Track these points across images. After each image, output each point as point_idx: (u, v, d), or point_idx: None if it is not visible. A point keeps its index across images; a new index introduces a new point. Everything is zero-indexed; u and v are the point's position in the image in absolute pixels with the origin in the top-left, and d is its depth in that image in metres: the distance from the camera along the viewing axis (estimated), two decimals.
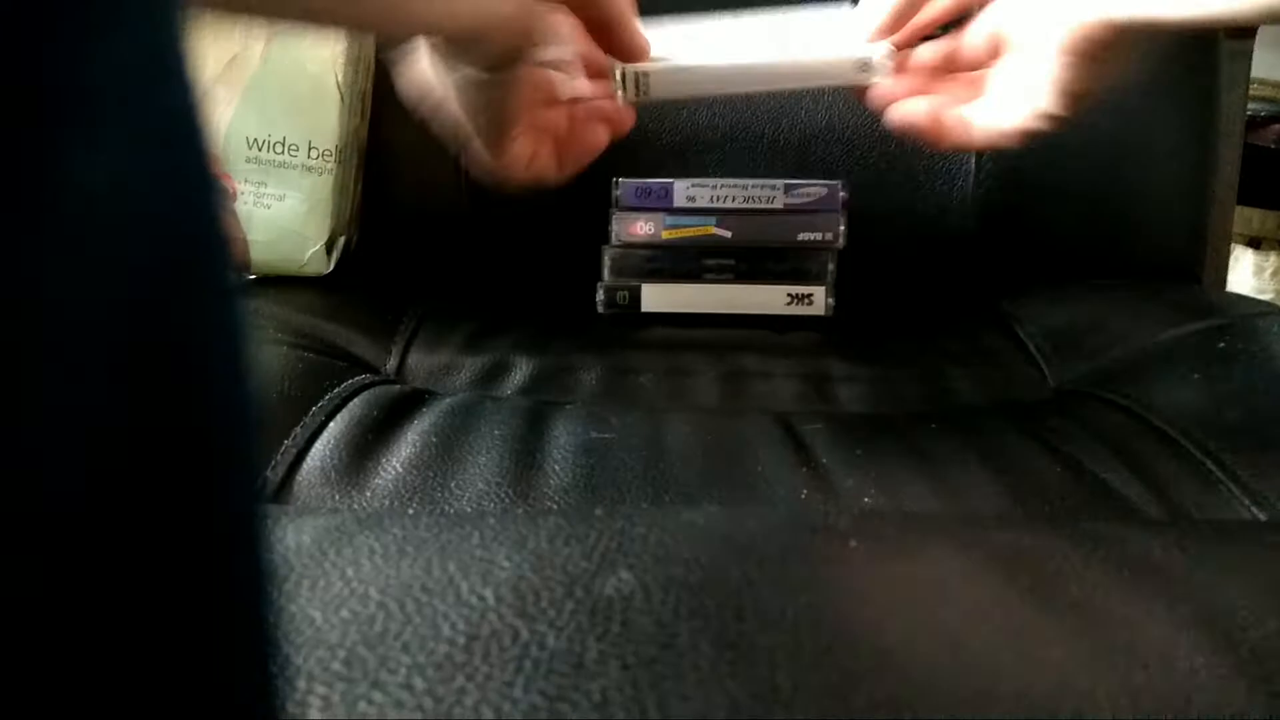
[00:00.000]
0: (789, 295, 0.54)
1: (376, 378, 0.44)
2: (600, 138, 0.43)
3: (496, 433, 0.38)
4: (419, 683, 0.17)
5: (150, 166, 0.12)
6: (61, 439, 0.11)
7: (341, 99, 0.51)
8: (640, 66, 0.41)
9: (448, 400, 0.41)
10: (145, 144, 0.12)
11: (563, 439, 0.38)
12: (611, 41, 0.39)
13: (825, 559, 0.20)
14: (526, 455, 0.37)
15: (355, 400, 0.40)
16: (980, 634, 0.19)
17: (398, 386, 0.43)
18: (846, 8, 0.44)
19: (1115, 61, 0.36)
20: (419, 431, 0.38)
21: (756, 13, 0.44)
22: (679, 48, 0.43)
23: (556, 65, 0.40)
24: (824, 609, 0.19)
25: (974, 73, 0.42)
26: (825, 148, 0.57)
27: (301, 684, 0.17)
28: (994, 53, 0.42)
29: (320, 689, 0.17)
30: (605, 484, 0.35)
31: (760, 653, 0.17)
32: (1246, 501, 0.32)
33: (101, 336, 0.11)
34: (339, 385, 0.41)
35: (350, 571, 0.21)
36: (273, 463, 0.35)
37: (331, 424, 0.38)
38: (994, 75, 0.42)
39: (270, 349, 0.43)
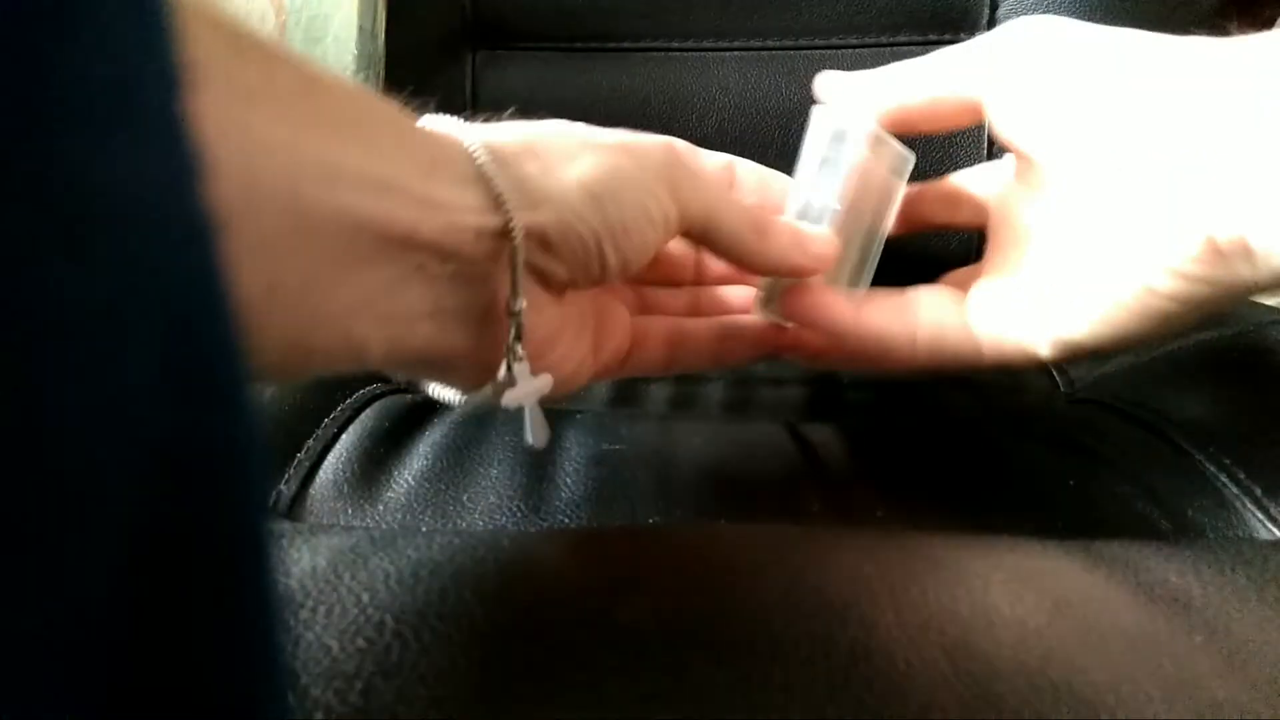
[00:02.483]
0: None
1: (388, 387, 0.44)
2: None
3: (508, 443, 0.38)
4: (436, 717, 0.17)
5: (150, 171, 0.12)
6: (72, 446, 0.11)
7: None
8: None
9: (460, 410, 0.41)
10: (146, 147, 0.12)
11: (573, 450, 0.38)
12: (747, 268, 0.33)
13: (839, 586, 0.20)
14: (538, 467, 0.37)
15: (367, 411, 0.40)
16: (1005, 660, 0.19)
17: (409, 396, 0.43)
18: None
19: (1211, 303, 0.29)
20: (431, 443, 0.38)
21: None
22: None
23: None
24: (838, 638, 0.19)
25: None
26: None
27: (319, 716, 0.17)
28: (967, 213, 0.37)
29: None
30: (616, 496, 0.35)
31: (775, 685, 0.17)
32: (1261, 518, 0.32)
33: (112, 340, 0.12)
34: (351, 396, 0.41)
35: (365, 597, 0.21)
36: (286, 476, 0.35)
37: (344, 436, 0.38)
38: (990, 270, 0.35)
39: None
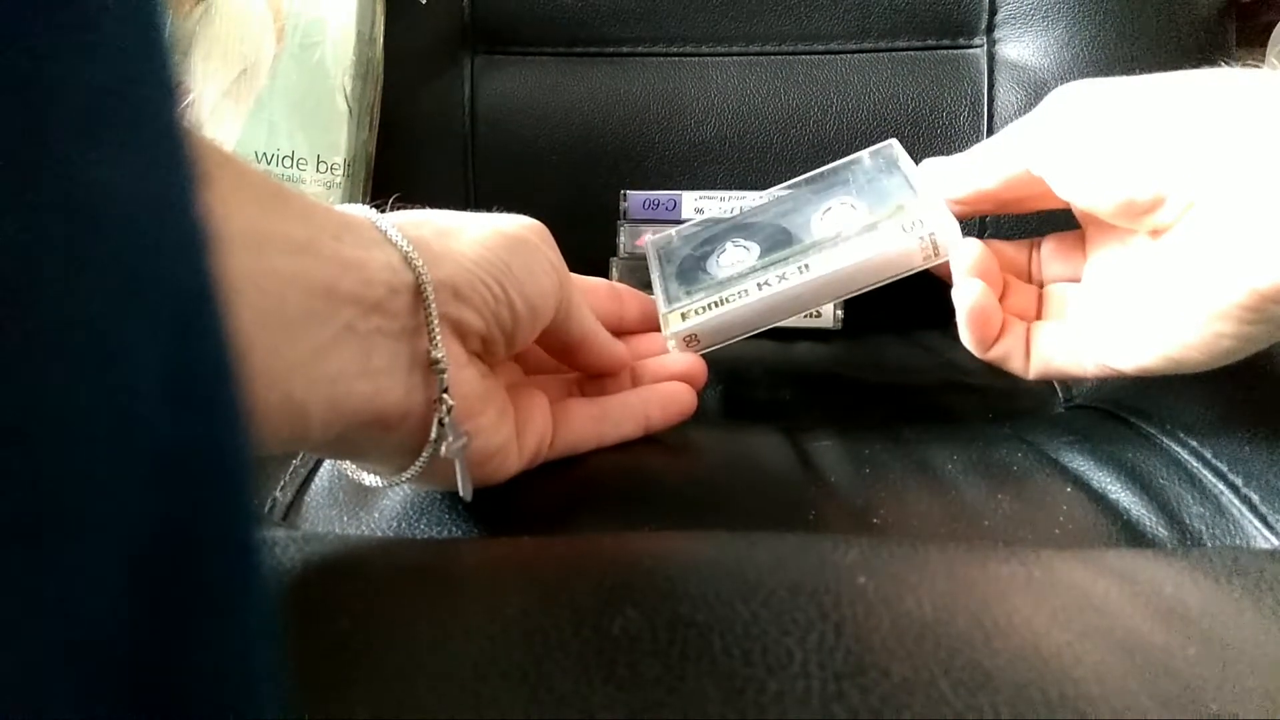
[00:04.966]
0: None
1: None
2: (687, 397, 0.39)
3: None
4: None
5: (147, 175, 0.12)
6: (74, 451, 0.11)
7: (350, 112, 0.51)
8: (688, 326, 0.40)
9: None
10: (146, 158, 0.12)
11: (568, 458, 0.38)
12: (582, 361, 0.37)
13: (834, 597, 0.20)
14: (532, 473, 0.36)
15: None
16: (1000, 672, 0.19)
17: None
18: (897, 149, 0.44)
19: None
20: None
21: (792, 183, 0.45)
22: (718, 264, 0.42)
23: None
24: (833, 650, 0.19)
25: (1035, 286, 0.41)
26: (835, 158, 0.57)
27: None
28: (1074, 265, 0.40)
29: None
30: (609, 502, 0.35)
31: (769, 697, 0.17)
32: (1258, 525, 0.32)
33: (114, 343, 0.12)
34: None
35: (358, 604, 0.21)
36: (281, 483, 0.35)
37: None
38: (1080, 300, 0.39)
39: None
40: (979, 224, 0.56)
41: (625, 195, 0.54)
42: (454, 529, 0.33)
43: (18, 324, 0.10)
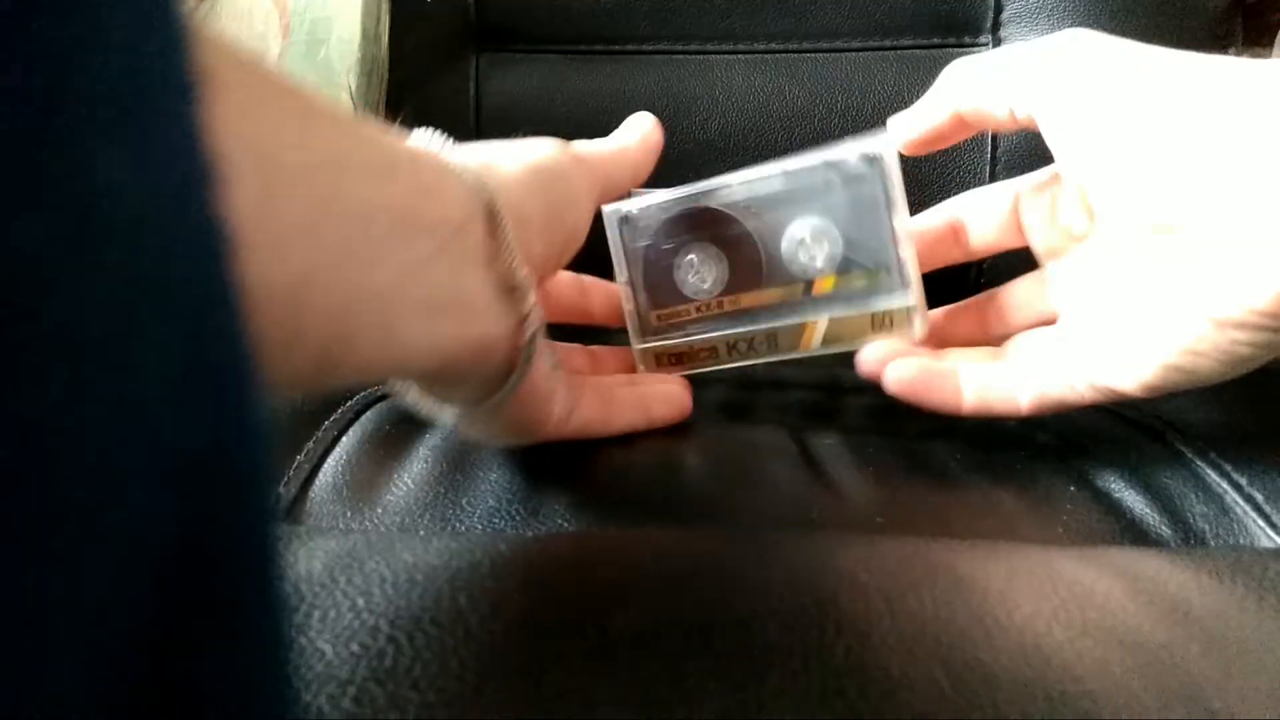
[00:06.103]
0: None
1: (388, 391, 0.44)
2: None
3: (507, 447, 0.38)
4: None
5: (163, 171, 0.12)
6: (88, 453, 0.11)
7: (355, 109, 0.51)
8: (662, 344, 0.41)
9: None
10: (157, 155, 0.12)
11: (573, 453, 0.38)
12: None
13: (835, 594, 0.20)
14: (537, 470, 0.37)
15: (368, 413, 0.40)
16: (1002, 670, 0.19)
17: None
18: (887, 160, 0.40)
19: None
20: (431, 446, 0.38)
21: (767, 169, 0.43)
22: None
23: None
24: (833, 647, 0.19)
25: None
26: None
27: None
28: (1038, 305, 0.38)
29: None
30: (614, 501, 0.35)
31: (769, 693, 0.17)
32: (1262, 525, 0.32)
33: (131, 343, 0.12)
34: (351, 398, 0.41)
35: (361, 602, 0.21)
36: (286, 479, 0.35)
37: (344, 439, 0.38)
38: (1059, 328, 0.36)
39: None
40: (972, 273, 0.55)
41: (631, 193, 0.54)
42: (458, 526, 0.34)
43: (28, 327, 0.10)
